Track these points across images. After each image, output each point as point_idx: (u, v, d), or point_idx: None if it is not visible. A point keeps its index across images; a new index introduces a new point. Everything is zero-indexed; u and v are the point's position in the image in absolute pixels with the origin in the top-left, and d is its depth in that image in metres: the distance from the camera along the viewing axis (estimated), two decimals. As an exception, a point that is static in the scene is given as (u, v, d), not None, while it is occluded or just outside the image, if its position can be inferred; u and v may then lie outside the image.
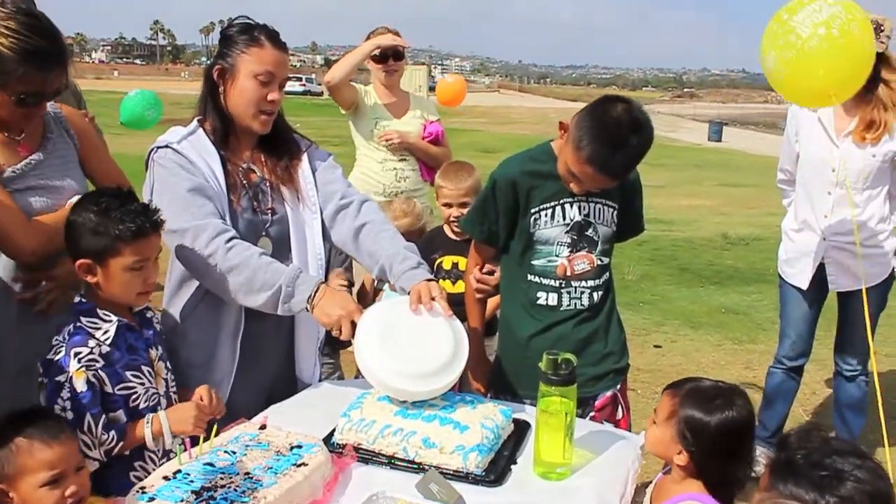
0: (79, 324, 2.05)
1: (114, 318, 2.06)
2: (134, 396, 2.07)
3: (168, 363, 2.24)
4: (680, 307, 7.06)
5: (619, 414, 2.58)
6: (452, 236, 3.53)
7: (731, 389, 2.00)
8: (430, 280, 2.29)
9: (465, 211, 3.00)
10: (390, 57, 4.35)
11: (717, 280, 8.12)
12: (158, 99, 5.60)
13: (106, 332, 2.04)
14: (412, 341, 2.14)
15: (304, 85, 58.14)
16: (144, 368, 2.11)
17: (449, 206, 3.46)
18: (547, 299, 2.50)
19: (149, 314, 2.22)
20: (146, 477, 1.87)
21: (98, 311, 2.07)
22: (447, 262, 3.49)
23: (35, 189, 2.27)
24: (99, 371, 2.00)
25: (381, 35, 4.36)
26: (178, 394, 2.25)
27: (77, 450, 1.83)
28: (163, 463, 2.02)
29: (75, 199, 2.33)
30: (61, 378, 1.96)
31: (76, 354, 1.98)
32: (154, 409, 2.11)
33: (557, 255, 2.47)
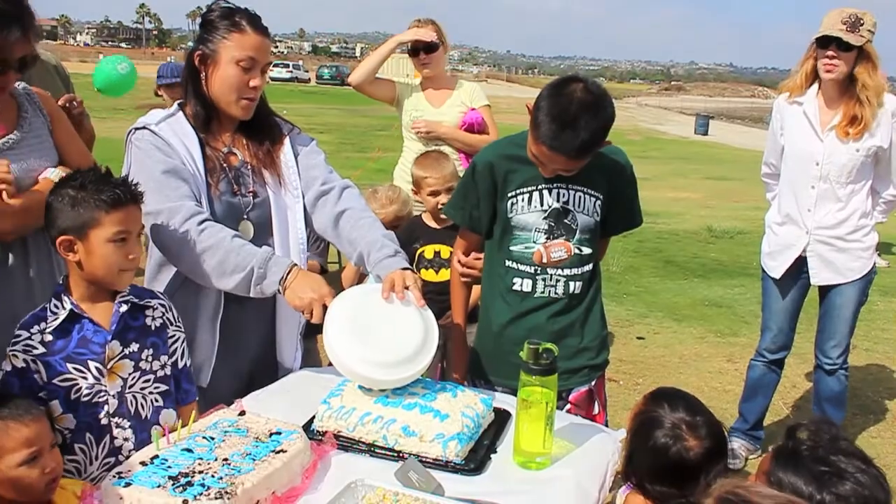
0: (46, 304, 2.03)
1: (68, 305, 2.02)
2: (75, 389, 2.01)
3: (148, 363, 2.12)
4: (664, 299, 7.09)
5: (595, 410, 2.58)
6: (433, 225, 3.52)
7: (699, 422, 1.92)
8: (406, 269, 2.28)
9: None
10: (421, 51, 4.31)
11: (702, 273, 8.16)
12: (129, 59, 5.57)
13: (56, 318, 2.01)
14: (381, 329, 2.12)
15: (291, 72, 57.87)
16: (92, 364, 2.02)
17: (436, 193, 3.46)
18: (522, 285, 2.49)
19: (123, 308, 2.07)
20: (75, 474, 1.91)
21: (63, 295, 2.04)
22: (429, 251, 3.49)
23: (13, 164, 2.24)
24: (37, 359, 1.98)
25: (408, 31, 4.32)
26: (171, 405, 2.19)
27: (48, 428, 1.82)
28: (109, 463, 2.01)
29: (48, 171, 2.32)
30: (9, 350, 1.99)
31: (15, 336, 1.98)
32: (98, 407, 2.03)
33: (535, 242, 2.46)
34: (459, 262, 2.70)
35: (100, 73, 5.08)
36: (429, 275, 3.45)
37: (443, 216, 3.44)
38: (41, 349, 1.98)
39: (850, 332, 3.83)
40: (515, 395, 2.02)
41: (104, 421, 2.05)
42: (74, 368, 2.01)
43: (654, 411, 1.96)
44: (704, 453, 1.87)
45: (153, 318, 2.17)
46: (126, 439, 2.07)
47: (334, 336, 2.10)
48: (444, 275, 3.44)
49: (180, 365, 2.22)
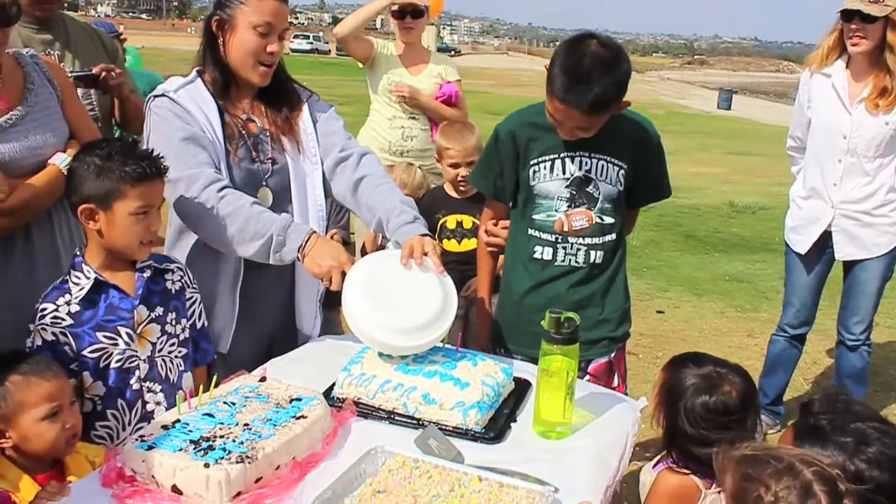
0: (66, 277, 2.05)
1: (92, 274, 2.03)
2: (105, 357, 2.04)
3: (172, 326, 2.17)
4: (684, 273, 7.05)
5: (615, 382, 2.57)
6: (454, 195, 3.51)
7: (724, 373, 2.00)
8: (425, 235, 2.27)
9: None
10: (408, 14, 4.29)
11: (722, 248, 8.10)
12: (135, 50, 5.58)
13: (82, 288, 2.03)
14: (399, 295, 2.11)
15: (311, 43, 57.75)
16: (122, 329, 2.06)
17: (456, 166, 3.44)
18: (542, 253, 2.48)
19: (147, 273, 2.12)
20: (108, 440, 1.94)
21: (84, 266, 2.05)
22: (451, 221, 3.47)
23: (14, 143, 2.25)
24: (66, 330, 1.99)
25: None
26: (190, 367, 2.24)
27: (68, 385, 1.84)
28: (139, 428, 2.02)
29: (58, 157, 2.31)
30: (31, 326, 2.00)
31: (41, 311, 1.99)
32: (129, 373, 2.07)
33: (557, 210, 2.44)
34: (486, 231, 2.69)
35: None
36: (451, 245, 3.44)
37: (463, 189, 3.43)
38: (69, 321, 2.00)
39: (874, 307, 3.79)
40: (534, 364, 2.01)
41: (136, 386, 2.09)
42: (105, 336, 2.04)
43: (681, 373, 2.01)
44: (741, 395, 1.95)
45: (173, 282, 2.21)
46: (158, 403, 2.12)
47: (353, 303, 2.09)
48: (466, 245, 3.43)
49: (198, 326, 2.27)
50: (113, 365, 2.05)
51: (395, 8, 4.28)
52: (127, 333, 2.06)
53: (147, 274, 2.12)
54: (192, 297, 2.26)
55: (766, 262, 7.35)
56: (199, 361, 2.28)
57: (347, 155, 2.51)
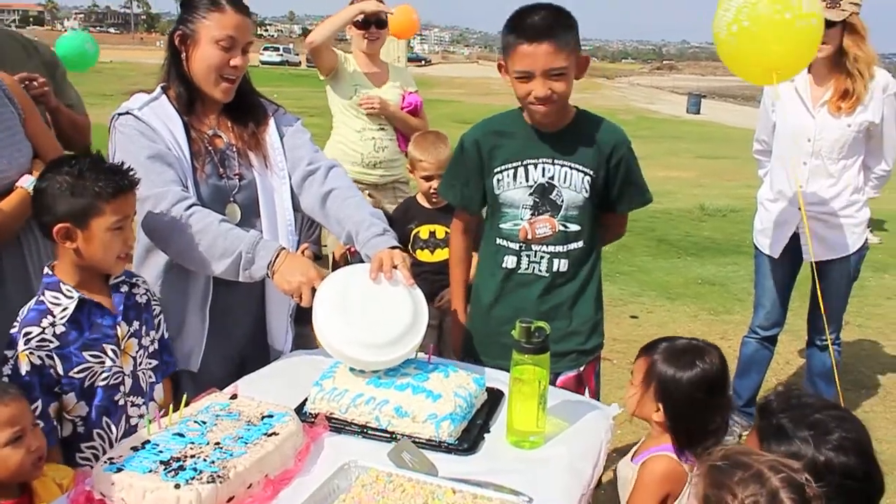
0: (41, 298, 2.02)
1: (75, 294, 2.02)
2: (90, 376, 2.03)
3: (145, 339, 2.19)
4: (657, 278, 7.10)
5: (585, 397, 2.57)
6: (427, 205, 3.51)
7: (703, 345, 2.11)
8: (395, 248, 2.26)
9: None
10: (373, 24, 4.28)
11: (694, 251, 8.16)
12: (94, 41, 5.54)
13: (65, 308, 2.01)
14: (369, 310, 2.11)
15: (281, 55, 57.60)
16: (107, 347, 2.06)
17: (430, 178, 3.44)
18: (507, 262, 2.49)
19: (124, 287, 2.15)
20: (94, 460, 1.91)
21: (62, 285, 2.03)
22: (424, 231, 3.47)
23: None
24: (53, 353, 1.97)
25: (369, 1, 4.27)
26: (160, 379, 2.24)
27: (28, 408, 1.82)
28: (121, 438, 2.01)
29: (25, 180, 2.29)
30: (9, 353, 1.96)
31: (26, 335, 1.95)
32: (115, 389, 2.08)
33: (522, 219, 2.45)
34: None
35: (67, 43, 5.03)
36: (424, 255, 3.44)
37: (436, 200, 3.43)
38: (56, 342, 1.98)
39: (842, 307, 3.84)
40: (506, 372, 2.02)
41: (121, 402, 2.10)
42: (91, 356, 2.03)
43: (660, 351, 2.10)
44: (721, 365, 2.07)
45: (140, 296, 2.21)
46: (141, 416, 2.12)
47: (323, 319, 2.09)
48: (439, 255, 3.44)
49: (165, 337, 2.29)
50: (99, 383, 2.04)
51: (359, 18, 4.27)
52: (112, 350, 2.06)
53: (124, 289, 2.14)
54: (156, 308, 2.27)
55: (738, 265, 7.42)
56: (165, 373, 2.28)
57: (315, 168, 2.50)
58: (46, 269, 2.07)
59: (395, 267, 2.19)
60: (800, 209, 3.69)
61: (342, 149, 4.36)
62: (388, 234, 2.34)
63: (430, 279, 3.45)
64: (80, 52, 5.24)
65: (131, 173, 2.06)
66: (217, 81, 2.35)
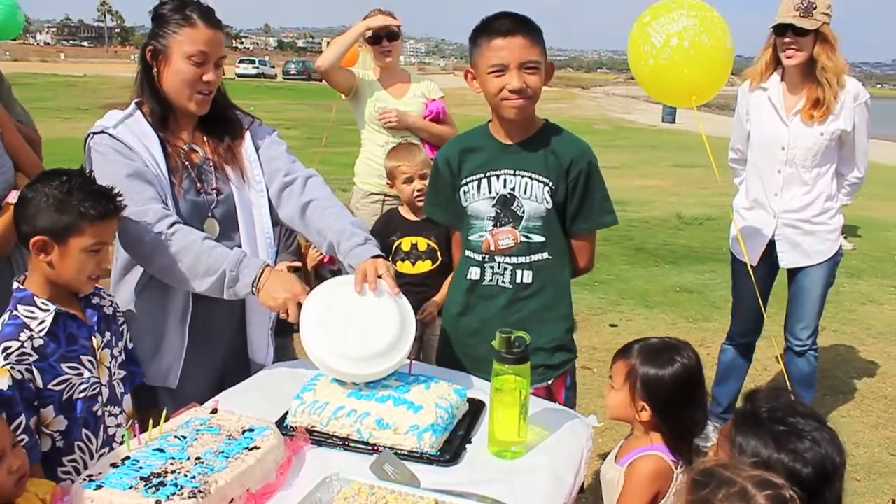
0: (15, 313, 1.99)
1: (52, 307, 2.01)
2: (69, 388, 2.02)
3: (115, 350, 2.19)
4: (635, 286, 7.13)
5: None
6: (410, 216, 3.52)
7: (677, 342, 2.16)
8: (377, 256, 2.26)
9: (427, 182, 2.98)
10: (384, 38, 4.28)
11: (672, 259, 8.22)
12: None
13: (42, 322, 1.99)
14: (356, 323, 2.11)
15: (257, 68, 57.45)
16: (84, 358, 2.06)
17: (410, 180, 3.45)
18: (472, 273, 2.51)
19: (94, 300, 2.16)
20: (75, 474, 1.87)
21: (35, 299, 2.01)
22: (406, 243, 3.48)
23: None
24: (32, 366, 1.95)
25: (373, 17, 4.29)
26: (128, 390, 2.24)
27: (7, 427, 1.79)
28: (104, 454, 1.99)
29: (12, 196, 2.27)
30: None
31: (5, 350, 1.93)
32: (94, 400, 2.07)
33: (485, 230, 2.47)
34: None
35: None
36: (405, 267, 3.44)
37: (420, 206, 3.42)
38: (35, 356, 1.96)
39: (818, 313, 3.88)
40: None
41: (99, 412, 2.09)
42: (69, 367, 2.02)
43: (638, 352, 2.14)
44: (696, 359, 2.13)
45: (107, 307, 2.22)
46: (118, 425, 2.13)
47: (309, 333, 2.09)
48: (420, 267, 3.44)
49: (129, 347, 2.29)
50: (78, 395, 2.03)
51: (369, 34, 4.27)
52: (89, 361, 2.07)
53: (95, 301, 2.15)
54: (120, 319, 2.27)
55: (715, 272, 7.48)
56: (132, 383, 2.29)
57: (292, 179, 2.49)
58: (16, 284, 2.05)
59: (379, 276, 2.19)
60: (775, 217, 3.74)
61: (368, 163, 4.37)
62: (369, 242, 2.33)
63: (411, 291, 3.43)
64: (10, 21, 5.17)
65: (119, 198, 2.06)
66: (190, 96, 2.34)
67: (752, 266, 3.87)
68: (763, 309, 3.98)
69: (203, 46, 2.30)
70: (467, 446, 1.98)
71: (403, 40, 4.51)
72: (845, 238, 6.80)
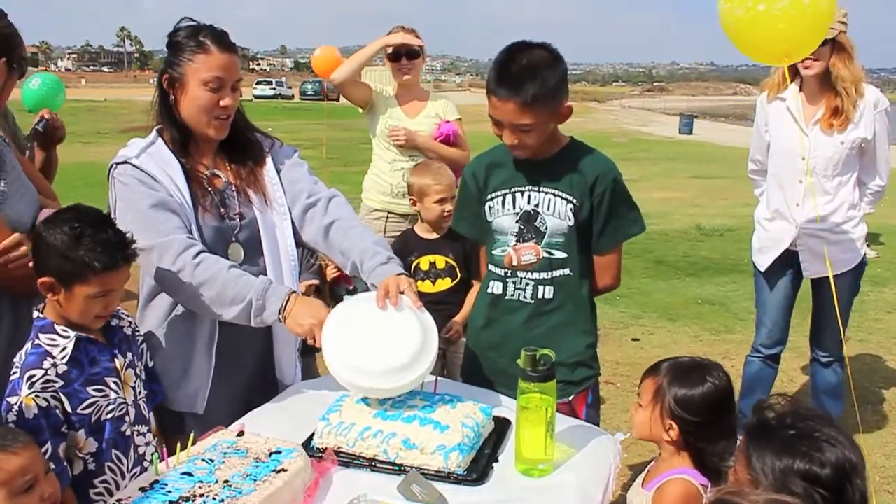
0: (37, 341, 2.01)
1: (72, 333, 2.02)
2: (97, 410, 2.03)
3: (138, 370, 2.20)
4: (657, 300, 7.10)
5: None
6: (426, 235, 3.52)
7: (708, 362, 2.15)
8: (400, 274, 2.27)
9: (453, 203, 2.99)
10: (403, 55, 4.29)
11: (693, 272, 8.17)
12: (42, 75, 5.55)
13: (63, 349, 2.00)
14: (377, 337, 2.12)
15: (274, 89, 57.87)
16: (109, 380, 2.07)
17: (444, 201, 3.42)
18: (494, 288, 2.52)
19: (113, 321, 2.17)
20: (107, 495, 1.87)
21: (56, 326, 2.03)
22: (424, 262, 3.48)
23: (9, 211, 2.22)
24: (59, 392, 1.96)
25: (394, 34, 4.30)
26: (151, 408, 2.25)
27: (40, 454, 1.80)
28: (135, 473, 2.00)
29: (44, 215, 2.29)
30: (12, 400, 1.93)
31: (29, 378, 1.94)
32: (121, 420, 2.08)
33: (509, 245, 2.48)
34: None
35: (32, 95, 5.05)
36: (425, 286, 3.44)
37: (444, 225, 3.42)
38: (61, 382, 1.98)
39: (844, 323, 3.84)
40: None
41: (127, 432, 2.11)
42: (95, 390, 2.04)
43: (667, 370, 2.13)
44: (727, 381, 2.10)
45: (126, 328, 2.23)
46: (147, 444, 2.15)
47: (332, 350, 2.10)
48: (440, 285, 3.44)
49: (150, 366, 2.31)
50: (106, 416, 2.04)
51: (389, 51, 4.29)
52: (114, 382, 2.08)
53: (115, 322, 2.17)
54: (139, 338, 2.28)
55: (737, 284, 7.43)
56: (153, 401, 2.30)
57: (315, 200, 2.51)
58: (36, 313, 2.06)
59: (401, 292, 2.19)
60: (796, 227, 3.72)
61: (375, 179, 4.38)
62: (392, 261, 2.34)
63: (433, 309, 3.43)
64: (51, 95, 5.25)
65: (131, 247, 2.05)
66: (209, 122, 2.35)
67: (774, 276, 3.84)
68: (788, 320, 3.95)
69: (218, 72, 2.31)
70: (494, 465, 1.97)
71: (424, 59, 4.51)
72: (868, 246, 6.74)
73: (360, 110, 4.50)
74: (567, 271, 2.47)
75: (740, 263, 8.00)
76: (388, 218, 4.30)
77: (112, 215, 2.25)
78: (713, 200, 13.11)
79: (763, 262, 3.88)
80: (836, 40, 3.46)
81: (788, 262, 3.81)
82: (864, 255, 3.83)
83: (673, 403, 2.06)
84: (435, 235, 3.49)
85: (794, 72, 3.65)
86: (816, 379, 3.97)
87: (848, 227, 3.70)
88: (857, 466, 1.58)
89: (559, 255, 2.45)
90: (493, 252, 2.51)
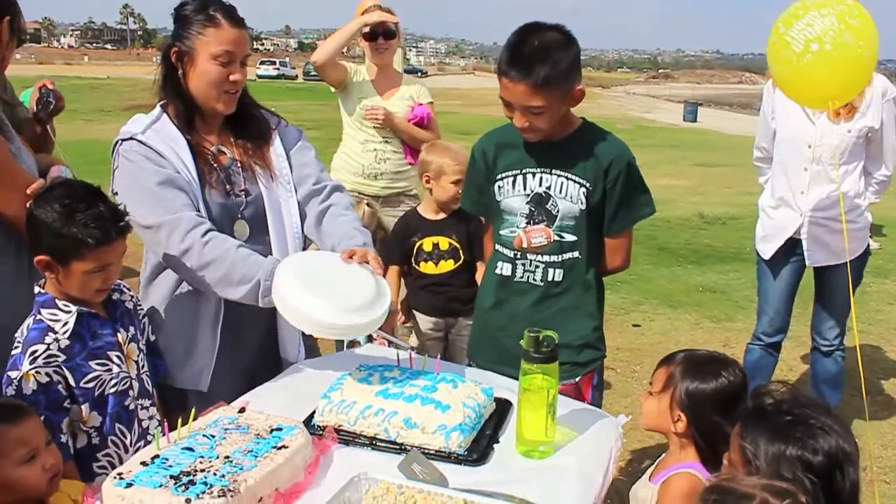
0: (39, 316, 2.01)
1: (73, 308, 2.02)
2: (100, 384, 2.04)
3: (141, 343, 2.21)
4: (658, 286, 7.10)
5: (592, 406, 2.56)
6: (430, 216, 3.51)
7: (725, 358, 2.12)
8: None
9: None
10: (380, 35, 4.26)
11: (695, 259, 8.17)
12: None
13: (65, 324, 2.01)
14: (335, 281, 2.15)
15: (278, 69, 57.71)
16: (112, 354, 2.08)
17: (459, 182, 3.32)
18: (503, 269, 2.52)
19: (115, 295, 2.17)
20: (110, 469, 1.87)
21: (57, 301, 2.03)
22: (427, 243, 3.47)
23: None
24: (62, 366, 1.97)
25: (370, 13, 4.27)
26: (154, 382, 2.26)
27: (41, 425, 1.81)
28: (139, 447, 2.01)
29: (58, 170, 2.29)
30: (13, 374, 1.94)
31: (31, 353, 1.95)
32: (125, 394, 2.09)
33: (518, 227, 2.47)
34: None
35: None
36: (428, 267, 3.44)
37: (452, 206, 3.39)
38: (63, 356, 1.99)
39: (846, 312, 3.84)
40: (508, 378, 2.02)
41: (131, 406, 2.12)
42: (98, 364, 2.05)
43: (682, 361, 2.10)
44: (742, 379, 2.07)
45: (128, 301, 2.23)
46: (151, 417, 2.17)
47: (289, 290, 2.10)
48: (443, 266, 3.43)
49: (152, 340, 2.32)
50: (109, 391, 2.06)
51: (366, 30, 4.26)
52: (117, 356, 2.09)
53: (115, 297, 2.17)
54: (141, 312, 2.28)
55: (739, 272, 7.43)
56: (156, 375, 2.30)
57: (321, 188, 2.52)
58: (37, 288, 2.06)
59: (366, 262, 2.23)
60: (801, 216, 3.71)
61: (345, 159, 4.37)
62: (367, 245, 2.36)
63: (435, 291, 3.44)
64: None
65: (124, 220, 2.03)
66: (218, 97, 2.33)
67: (777, 264, 3.84)
68: (789, 309, 3.95)
69: (229, 46, 2.29)
70: (495, 446, 1.97)
71: (402, 38, 4.48)
72: (871, 237, 6.73)
73: (333, 89, 4.46)
74: (577, 254, 2.47)
75: (742, 252, 7.99)
76: (358, 200, 4.26)
77: (114, 192, 2.24)
78: (716, 188, 13.08)
79: (767, 250, 3.87)
80: None
81: (791, 250, 3.80)
82: (868, 245, 3.82)
83: (683, 395, 2.04)
84: (440, 216, 3.47)
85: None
86: (816, 368, 3.97)
87: (852, 216, 3.69)
88: (851, 456, 1.58)
89: (569, 237, 2.45)
90: (501, 232, 2.51)
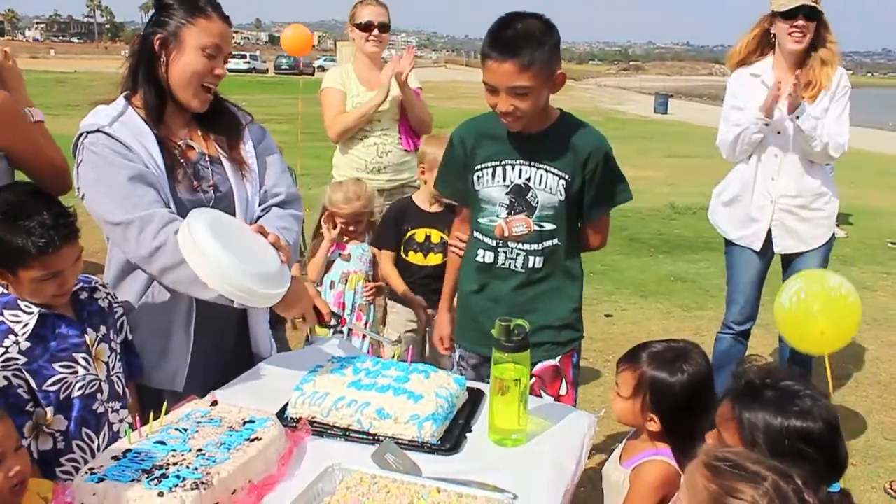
0: (0, 318, 1.95)
1: (35, 309, 1.96)
2: (65, 387, 1.99)
3: (113, 343, 2.15)
4: (629, 276, 7.15)
5: (563, 390, 2.60)
6: (425, 207, 3.50)
7: (685, 345, 2.13)
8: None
9: None
10: (376, 27, 4.21)
11: (666, 249, 8.24)
12: None
13: (26, 325, 1.95)
14: (244, 243, 2.10)
15: (248, 63, 57.16)
16: (78, 355, 2.02)
17: None
18: (484, 257, 2.56)
19: (83, 295, 2.11)
20: (75, 473, 1.83)
21: (19, 302, 1.97)
22: (420, 234, 3.47)
23: None
24: (22, 369, 1.92)
25: (393, 61, 4.20)
26: (129, 382, 2.22)
27: (13, 429, 1.77)
28: (106, 446, 1.98)
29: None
30: None
31: None
32: (92, 397, 2.04)
33: (498, 216, 2.50)
34: (456, 238, 2.76)
35: None
36: (416, 258, 3.44)
37: (445, 200, 3.39)
38: (23, 359, 1.94)
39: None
40: (483, 361, 2.04)
41: (100, 410, 2.06)
42: (62, 367, 1.99)
43: (647, 361, 2.10)
44: (705, 363, 2.11)
45: (102, 300, 2.17)
46: (121, 420, 2.10)
47: (206, 243, 2.00)
48: (431, 259, 3.45)
49: (129, 338, 2.26)
50: (75, 394, 2.00)
51: (362, 21, 4.21)
52: (84, 358, 2.03)
53: (84, 296, 2.11)
54: (118, 311, 2.23)
55: (709, 261, 7.50)
56: (131, 375, 2.24)
57: (276, 193, 2.45)
58: (1, 289, 1.99)
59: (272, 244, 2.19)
60: (772, 202, 3.75)
61: (349, 158, 4.31)
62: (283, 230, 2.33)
63: (419, 283, 3.44)
64: None
65: (72, 223, 1.96)
66: (197, 91, 2.26)
67: (746, 254, 3.88)
68: (758, 297, 3.99)
69: (217, 39, 2.24)
70: (468, 435, 1.99)
71: (393, 33, 4.46)
72: (838, 226, 6.82)
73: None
74: (556, 241, 2.52)
75: (712, 242, 8.04)
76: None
77: (80, 188, 2.17)
78: (687, 179, 13.19)
79: (738, 237, 3.90)
80: (822, 15, 3.51)
81: (760, 237, 3.84)
82: (834, 233, 3.88)
83: (654, 401, 2.06)
84: (435, 209, 3.47)
85: (762, 47, 3.70)
86: (784, 354, 4.02)
87: (820, 204, 3.75)
88: (837, 424, 1.67)
89: (549, 226, 2.50)
90: (480, 220, 2.54)
